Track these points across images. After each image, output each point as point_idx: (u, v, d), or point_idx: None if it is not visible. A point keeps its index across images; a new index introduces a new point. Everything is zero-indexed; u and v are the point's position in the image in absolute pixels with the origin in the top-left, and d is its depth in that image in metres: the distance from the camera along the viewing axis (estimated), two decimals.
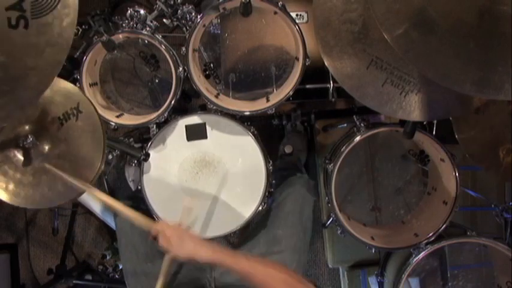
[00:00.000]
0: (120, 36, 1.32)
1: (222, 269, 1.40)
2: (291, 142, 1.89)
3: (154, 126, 1.43)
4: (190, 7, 1.40)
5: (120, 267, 1.90)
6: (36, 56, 0.85)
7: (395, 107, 1.16)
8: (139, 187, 1.40)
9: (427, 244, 1.35)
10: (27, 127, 1.12)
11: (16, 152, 1.13)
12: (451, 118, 1.25)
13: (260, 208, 1.39)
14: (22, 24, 0.83)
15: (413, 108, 1.16)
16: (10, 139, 1.12)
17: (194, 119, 1.40)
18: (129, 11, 1.32)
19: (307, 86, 1.46)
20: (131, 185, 1.92)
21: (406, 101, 1.16)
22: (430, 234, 1.35)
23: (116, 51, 1.34)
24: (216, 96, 1.36)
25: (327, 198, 1.38)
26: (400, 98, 1.15)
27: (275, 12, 1.26)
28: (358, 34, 1.12)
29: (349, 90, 1.15)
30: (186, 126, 1.40)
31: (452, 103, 1.16)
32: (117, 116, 1.38)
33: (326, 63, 1.14)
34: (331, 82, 1.43)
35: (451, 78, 0.89)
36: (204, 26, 1.30)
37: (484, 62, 0.87)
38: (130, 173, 1.93)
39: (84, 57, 1.29)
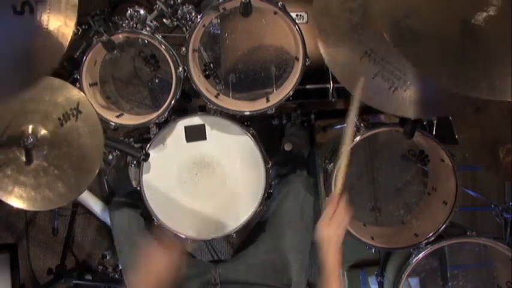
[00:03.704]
0: (120, 36, 1.32)
1: (227, 266, 1.40)
2: (292, 137, 1.89)
3: (154, 127, 1.42)
4: (190, 7, 1.40)
5: (120, 267, 1.90)
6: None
7: (382, 101, 1.17)
8: (138, 188, 1.40)
9: (427, 244, 1.35)
10: (28, 128, 1.12)
11: (17, 153, 1.13)
12: (450, 118, 1.25)
13: (259, 209, 1.39)
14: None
15: (400, 104, 1.17)
16: (11, 140, 1.12)
17: (193, 120, 1.40)
18: (129, 11, 1.32)
19: (307, 87, 1.46)
20: (134, 183, 1.91)
21: (394, 96, 1.16)
22: (430, 234, 1.35)
23: (115, 51, 1.33)
24: (216, 96, 1.36)
25: (327, 198, 1.38)
26: (388, 93, 1.16)
27: (275, 12, 1.26)
28: (356, 24, 1.12)
29: (340, 77, 1.16)
30: (186, 128, 1.40)
31: (441, 103, 1.16)
32: (117, 116, 1.38)
33: (321, 49, 1.15)
34: (331, 82, 1.43)
35: (443, 75, 0.89)
36: (204, 26, 1.30)
37: (476, 62, 0.88)
38: (132, 171, 1.93)
39: (84, 57, 1.29)
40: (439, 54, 0.89)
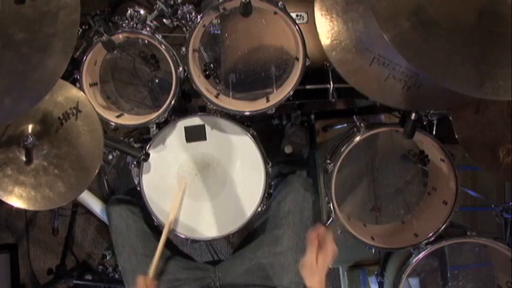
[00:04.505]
0: (120, 36, 1.32)
1: (226, 268, 1.40)
2: (293, 137, 1.89)
3: (154, 127, 1.43)
4: (190, 7, 1.40)
5: (120, 268, 1.90)
6: (52, 23, 0.87)
7: (399, 100, 1.20)
8: (138, 188, 1.40)
9: (427, 244, 1.35)
10: (27, 127, 1.13)
11: (17, 153, 1.13)
12: (450, 118, 1.25)
13: (259, 209, 1.39)
14: None
15: (416, 100, 1.20)
16: (11, 140, 1.12)
17: (193, 121, 1.40)
18: (129, 11, 1.32)
19: (307, 87, 1.46)
20: (136, 180, 1.92)
21: (409, 94, 1.19)
22: (430, 234, 1.35)
23: (116, 51, 1.34)
24: (216, 97, 1.36)
25: (327, 198, 1.38)
26: (403, 92, 1.19)
27: (275, 13, 1.26)
28: (359, 33, 1.14)
29: (354, 85, 1.18)
30: (185, 128, 1.40)
31: (454, 93, 1.17)
32: (117, 116, 1.38)
33: (331, 61, 1.17)
34: (331, 82, 1.43)
35: (447, 76, 0.90)
36: (204, 26, 1.30)
37: (480, 62, 0.88)
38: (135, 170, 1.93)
39: (84, 57, 1.29)
40: (442, 54, 0.89)
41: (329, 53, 1.16)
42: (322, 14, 1.16)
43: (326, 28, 1.16)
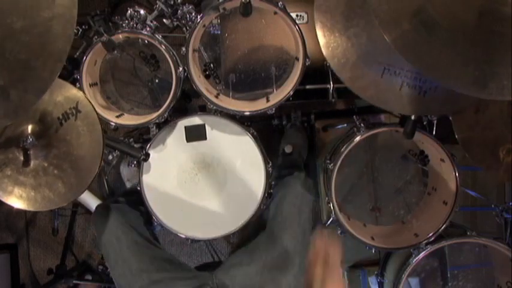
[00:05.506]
0: (120, 36, 1.32)
1: (223, 274, 1.38)
2: (291, 139, 1.89)
3: (154, 127, 1.42)
4: (190, 7, 1.40)
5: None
6: (49, 6, 0.86)
7: (417, 107, 1.19)
8: (138, 188, 1.40)
9: (427, 244, 1.35)
10: (27, 128, 1.12)
11: (17, 153, 1.13)
12: (451, 118, 1.25)
13: (259, 209, 1.39)
14: None
15: (437, 102, 1.18)
16: (11, 140, 1.12)
17: (193, 120, 1.40)
18: (129, 11, 1.32)
19: (307, 87, 1.46)
20: (127, 184, 1.93)
21: (426, 99, 1.18)
22: (430, 234, 1.35)
23: (116, 51, 1.33)
24: (216, 97, 1.36)
25: (327, 198, 1.38)
26: (419, 97, 1.18)
27: (275, 13, 1.26)
28: (365, 46, 1.14)
29: (370, 99, 1.17)
30: (186, 128, 1.40)
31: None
32: (117, 116, 1.38)
33: (342, 80, 1.17)
34: (331, 82, 1.43)
35: (450, 77, 0.90)
36: (204, 26, 1.30)
37: (483, 62, 0.88)
38: (125, 173, 1.94)
39: (84, 57, 1.29)
40: (444, 55, 0.89)
41: (339, 73, 1.16)
42: (325, 35, 1.15)
43: (331, 48, 1.15)
